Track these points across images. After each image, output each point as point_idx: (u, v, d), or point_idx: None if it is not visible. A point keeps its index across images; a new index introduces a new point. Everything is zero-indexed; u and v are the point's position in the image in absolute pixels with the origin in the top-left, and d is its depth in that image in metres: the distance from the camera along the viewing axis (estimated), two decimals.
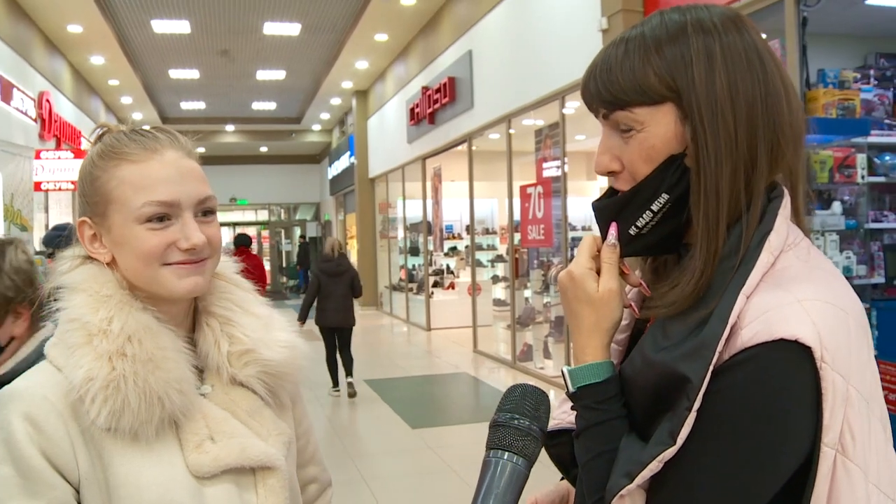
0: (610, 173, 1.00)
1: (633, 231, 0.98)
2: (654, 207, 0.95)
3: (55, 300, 1.10)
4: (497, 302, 11.31)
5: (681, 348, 0.88)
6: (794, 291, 0.86)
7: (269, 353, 1.17)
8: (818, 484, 0.84)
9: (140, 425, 1.02)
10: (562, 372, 1.00)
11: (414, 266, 15.16)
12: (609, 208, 1.00)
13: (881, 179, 5.03)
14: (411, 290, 14.96)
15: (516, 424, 0.94)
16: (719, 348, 0.84)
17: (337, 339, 7.96)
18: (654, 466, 0.86)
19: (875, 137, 4.93)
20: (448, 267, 14.59)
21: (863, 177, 4.72)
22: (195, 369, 1.13)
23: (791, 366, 0.83)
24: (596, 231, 1.05)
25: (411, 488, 5.20)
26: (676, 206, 0.95)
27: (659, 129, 0.93)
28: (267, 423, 1.15)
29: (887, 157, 5.03)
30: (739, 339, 0.84)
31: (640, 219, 0.97)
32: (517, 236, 9.41)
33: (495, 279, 12.02)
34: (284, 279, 23.87)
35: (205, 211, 1.12)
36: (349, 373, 8.00)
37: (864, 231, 4.78)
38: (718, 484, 0.85)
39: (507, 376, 9.02)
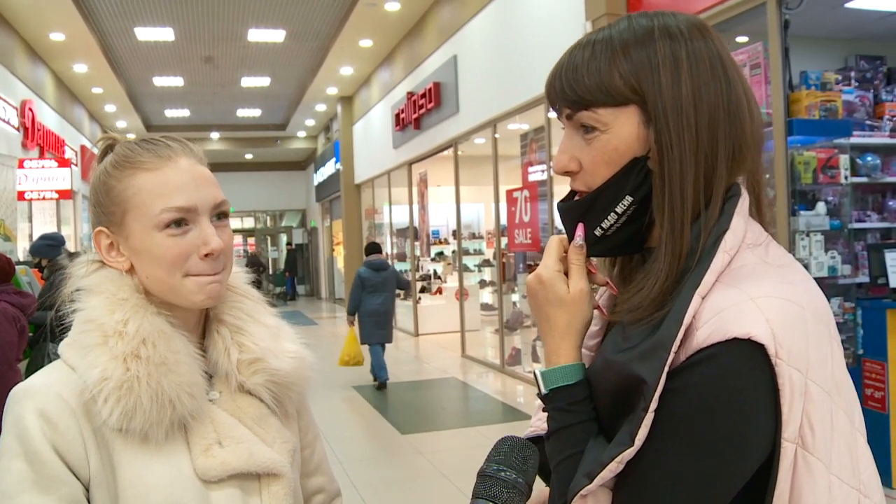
0: (567, 173, 1.01)
1: (598, 232, 0.98)
2: (619, 209, 0.96)
3: (72, 301, 1.12)
4: (485, 306, 11.31)
5: (637, 350, 0.89)
6: (747, 290, 0.86)
7: (277, 362, 1.18)
8: (780, 478, 0.85)
9: (150, 427, 1.04)
10: (534, 374, 1.01)
11: (401, 271, 15.13)
12: (574, 210, 1.00)
13: (864, 180, 5.08)
14: (398, 295, 14.93)
15: (503, 476, 0.96)
16: (674, 349, 0.84)
17: None
18: (613, 467, 0.86)
19: (857, 138, 4.99)
20: (435, 272, 14.58)
21: (846, 177, 4.77)
22: (205, 375, 1.15)
23: (745, 364, 0.82)
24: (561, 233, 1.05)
25: (401, 494, 5.19)
26: (640, 208, 0.96)
27: (622, 131, 0.94)
28: (272, 431, 1.16)
29: (869, 158, 5.09)
30: (695, 339, 0.84)
31: (605, 220, 0.97)
32: (504, 240, 9.43)
33: (482, 284, 12.03)
34: (271, 286, 23.75)
35: (219, 215, 1.14)
36: None
37: (848, 231, 4.83)
38: (679, 483, 0.85)
39: (495, 380, 9.03)
